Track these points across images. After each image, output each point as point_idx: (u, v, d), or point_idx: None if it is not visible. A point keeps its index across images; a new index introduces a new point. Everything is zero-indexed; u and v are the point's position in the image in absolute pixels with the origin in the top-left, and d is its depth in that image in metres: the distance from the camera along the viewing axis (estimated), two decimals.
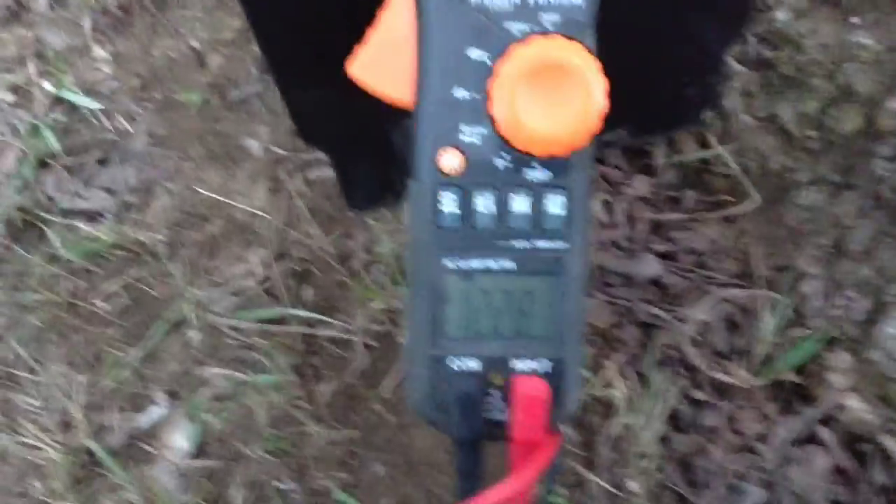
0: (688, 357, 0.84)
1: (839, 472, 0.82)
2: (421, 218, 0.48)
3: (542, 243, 0.48)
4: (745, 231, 0.88)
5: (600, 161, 0.92)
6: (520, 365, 0.49)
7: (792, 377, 0.84)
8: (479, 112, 0.47)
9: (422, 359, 0.49)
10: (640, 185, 0.91)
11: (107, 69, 1.02)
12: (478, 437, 0.49)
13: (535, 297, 0.49)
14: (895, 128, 0.73)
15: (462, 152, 0.47)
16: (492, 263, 0.49)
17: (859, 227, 0.77)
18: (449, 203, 0.48)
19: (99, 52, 1.03)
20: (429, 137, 0.47)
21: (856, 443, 0.82)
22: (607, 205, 0.91)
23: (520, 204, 0.48)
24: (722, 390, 0.84)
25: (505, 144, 0.47)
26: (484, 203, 0.48)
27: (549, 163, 0.48)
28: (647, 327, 0.86)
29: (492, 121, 0.47)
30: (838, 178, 0.79)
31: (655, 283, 0.88)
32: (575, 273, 0.49)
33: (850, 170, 0.78)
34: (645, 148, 0.93)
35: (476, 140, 0.47)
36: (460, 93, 0.47)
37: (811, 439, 0.83)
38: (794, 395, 0.85)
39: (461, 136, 0.47)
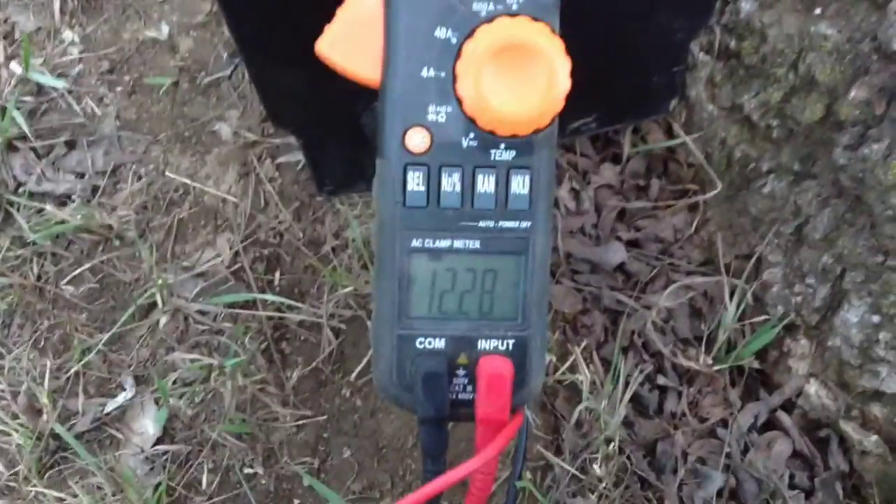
0: (652, 343, 0.85)
1: (800, 457, 0.83)
2: (388, 197, 0.49)
3: (506, 223, 0.49)
4: (710, 219, 0.90)
5: (569, 149, 0.93)
6: (484, 344, 0.50)
7: (753, 363, 0.85)
8: (446, 91, 0.47)
9: (388, 338, 0.49)
10: (608, 174, 0.93)
11: (76, 52, 1.01)
12: (443, 417, 0.50)
13: (500, 277, 0.50)
14: (855, 117, 0.74)
15: (428, 131, 0.48)
16: (457, 243, 0.49)
17: (819, 215, 0.79)
18: (415, 182, 0.49)
19: (68, 34, 1.02)
20: (396, 116, 0.48)
21: (815, 429, 0.83)
22: (575, 193, 0.92)
23: (485, 183, 0.49)
24: (686, 376, 0.85)
25: (471, 124, 0.48)
26: (450, 182, 0.49)
27: (513, 143, 0.48)
28: (613, 313, 0.87)
29: (458, 100, 0.47)
30: (799, 167, 0.80)
31: (622, 270, 0.90)
32: (539, 253, 0.50)
33: (811, 158, 0.79)
34: (612, 137, 0.94)
35: (442, 119, 0.48)
36: (427, 72, 0.47)
37: (772, 425, 0.85)
38: (755, 381, 0.87)
39: (428, 116, 0.47)
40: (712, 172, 0.87)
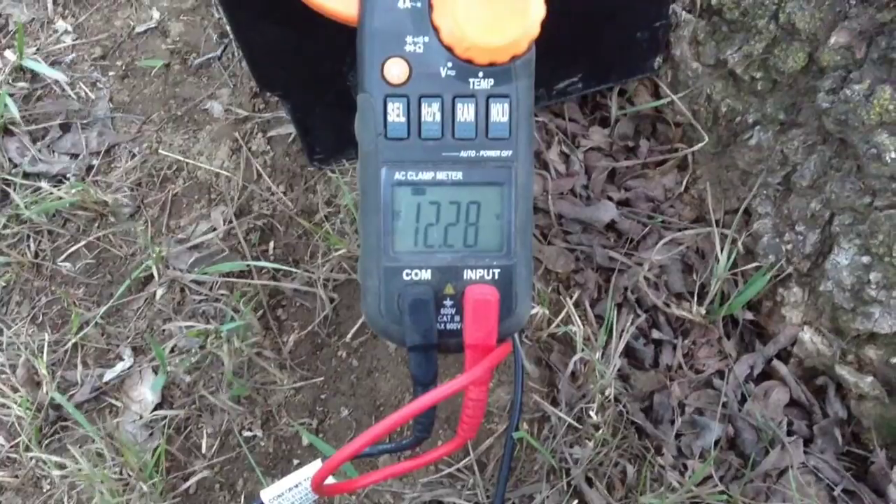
0: (645, 299, 0.85)
1: (797, 405, 0.83)
2: (369, 130, 0.50)
3: (487, 152, 0.50)
4: (699, 177, 0.90)
5: (557, 114, 0.94)
6: (471, 274, 0.51)
7: (747, 314, 0.86)
8: (423, 21, 0.48)
9: (374, 271, 0.50)
10: (596, 136, 0.93)
11: (69, 40, 1.02)
12: (431, 344, 0.50)
13: (484, 208, 0.51)
14: (837, 62, 0.75)
15: (407, 62, 0.49)
16: (440, 174, 0.50)
17: (806, 162, 0.79)
18: (395, 113, 0.49)
19: (61, 24, 1.04)
20: (374, 48, 0.49)
21: (812, 376, 0.84)
22: (564, 156, 0.92)
23: (464, 112, 0.50)
24: (679, 329, 0.86)
25: (448, 53, 0.49)
26: (429, 112, 0.49)
27: (491, 71, 0.49)
28: (606, 271, 0.88)
29: (435, 30, 0.48)
30: (784, 117, 0.81)
31: (613, 229, 0.90)
32: (521, 182, 0.51)
33: (795, 107, 0.80)
34: (600, 101, 0.95)
35: (420, 49, 0.48)
36: (403, 3, 0.48)
37: (769, 375, 0.85)
38: (750, 332, 0.87)
39: (406, 47, 0.48)
40: (700, 128, 0.88)
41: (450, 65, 0.49)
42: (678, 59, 0.89)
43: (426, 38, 0.48)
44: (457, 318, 0.50)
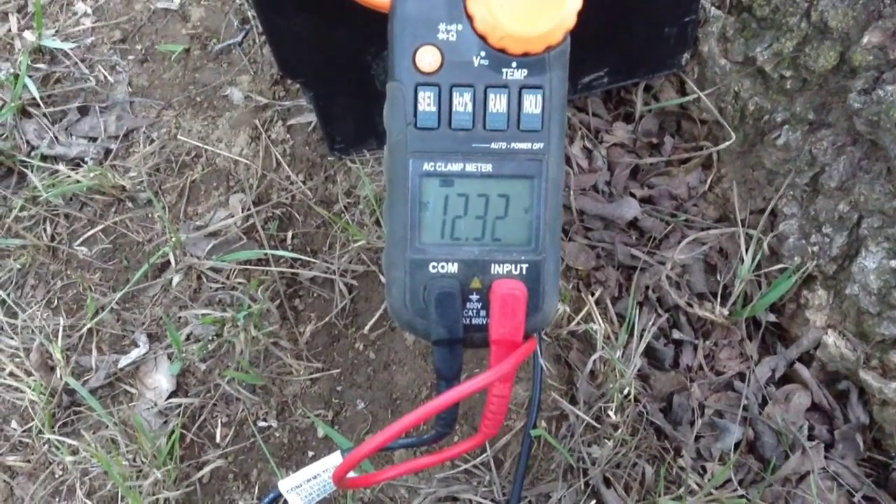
0: (666, 298, 0.84)
1: (819, 409, 0.82)
2: (399, 119, 0.49)
3: (518, 144, 0.49)
4: (724, 176, 0.89)
5: (581, 109, 0.93)
6: (498, 269, 0.50)
7: (770, 317, 0.85)
8: (457, 9, 0.47)
9: (400, 263, 0.49)
10: (620, 132, 0.92)
11: (88, 22, 1.02)
12: (457, 338, 0.49)
13: (513, 202, 0.50)
14: (869, 62, 0.73)
15: (439, 50, 0.48)
16: (469, 166, 0.49)
17: (835, 163, 0.78)
18: (426, 102, 0.48)
19: (81, 6, 1.03)
20: (406, 36, 0.48)
21: (834, 381, 0.82)
22: (587, 151, 0.91)
23: (496, 103, 0.49)
24: (701, 330, 0.85)
25: (482, 42, 0.48)
26: (461, 102, 0.48)
27: (524, 61, 0.48)
28: (627, 269, 0.87)
29: (469, 18, 0.47)
30: (814, 117, 0.80)
31: (635, 226, 0.89)
32: (552, 176, 0.50)
33: (825, 107, 0.79)
34: (624, 96, 0.94)
35: (453, 38, 0.48)
36: None
37: (790, 378, 0.84)
38: (772, 335, 0.86)
39: (438, 35, 0.47)
40: (727, 126, 0.87)
41: (483, 54, 0.48)
42: (706, 56, 0.88)
43: (459, 27, 0.47)
44: (483, 312, 0.50)
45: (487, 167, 0.49)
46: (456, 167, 0.49)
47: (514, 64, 0.48)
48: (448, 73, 0.48)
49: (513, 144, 0.49)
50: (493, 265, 0.50)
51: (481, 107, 0.49)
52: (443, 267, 0.49)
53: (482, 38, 0.47)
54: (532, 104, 0.49)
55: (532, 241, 0.50)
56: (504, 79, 0.48)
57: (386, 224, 0.50)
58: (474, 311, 0.50)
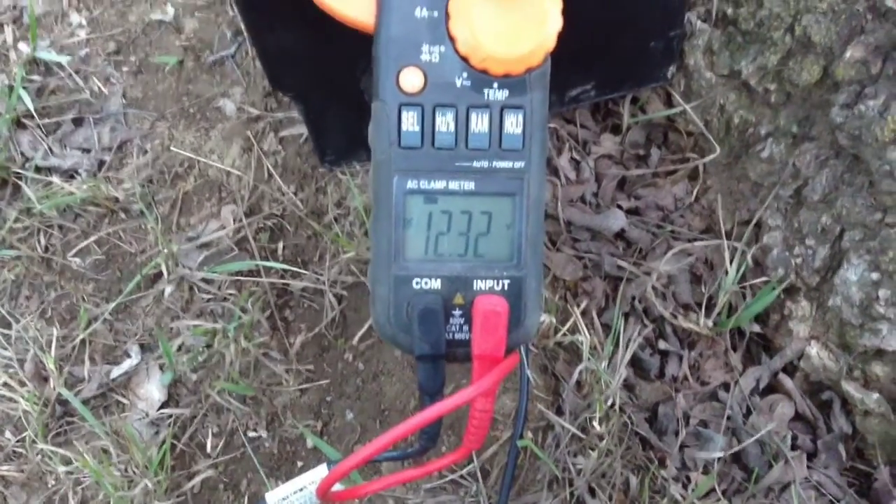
0: (652, 308, 0.85)
1: (802, 419, 0.83)
2: (383, 138, 0.50)
3: (500, 163, 0.50)
4: (710, 187, 0.90)
5: (568, 121, 0.94)
6: (480, 284, 0.51)
7: (754, 327, 0.86)
8: (439, 31, 0.48)
9: (385, 279, 0.50)
10: (607, 144, 0.93)
11: (83, 34, 1.02)
12: (440, 354, 0.50)
13: (495, 218, 0.51)
14: (852, 77, 0.74)
15: (422, 71, 0.49)
16: (452, 184, 0.50)
17: (818, 176, 0.79)
18: (410, 122, 0.50)
19: (75, 17, 1.04)
20: (390, 57, 0.49)
21: (818, 391, 0.83)
22: (575, 162, 0.92)
23: (478, 123, 0.50)
24: (686, 340, 0.86)
25: (464, 63, 0.49)
26: (444, 121, 0.50)
27: (506, 82, 0.49)
28: (614, 280, 0.88)
29: (451, 40, 0.48)
30: (797, 130, 0.81)
31: (622, 237, 0.90)
32: (533, 193, 0.51)
33: (808, 121, 0.80)
34: (612, 108, 0.95)
35: (436, 59, 0.49)
36: (420, 12, 0.48)
37: (774, 388, 0.85)
38: (757, 345, 0.87)
39: (421, 56, 0.49)
40: (712, 138, 0.88)
41: (465, 75, 0.49)
42: (692, 69, 0.89)
43: (442, 48, 0.48)
44: (465, 328, 0.51)
45: (470, 185, 0.50)
46: (439, 185, 0.50)
47: (495, 85, 0.49)
48: (431, 93, 0.49)
49: (495, 163, 0.50)
50: (475, 281, 0.51)
51: (464, 126, 0.50)
52: (426, 283, 0.51)
53: (464, 59, 0.48)
54: (513, 124, 0.50)
55: (514, 257, 0.51)
56: (486, 99, 0.49)
57: (371, 240, 0.51)
58: (457, 327, 0.51)
